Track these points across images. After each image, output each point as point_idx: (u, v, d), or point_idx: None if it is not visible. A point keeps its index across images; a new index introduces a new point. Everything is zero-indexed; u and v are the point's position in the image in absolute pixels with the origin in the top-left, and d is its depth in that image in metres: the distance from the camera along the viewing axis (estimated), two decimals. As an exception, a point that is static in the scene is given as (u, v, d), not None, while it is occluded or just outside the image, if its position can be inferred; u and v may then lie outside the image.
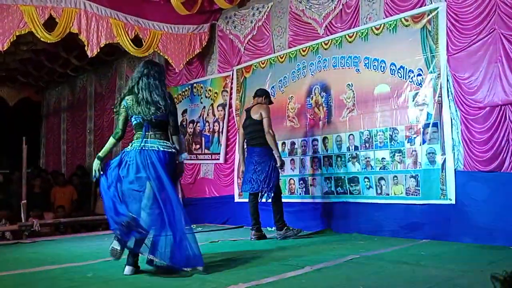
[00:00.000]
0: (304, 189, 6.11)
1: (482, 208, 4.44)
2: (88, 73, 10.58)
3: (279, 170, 5.30)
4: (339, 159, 5.70)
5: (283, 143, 6.26)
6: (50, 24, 6.19)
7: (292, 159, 6.23)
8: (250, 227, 5.40)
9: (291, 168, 6.24)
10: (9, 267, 3.97)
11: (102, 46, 6.58)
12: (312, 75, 6.11)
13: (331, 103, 5.83)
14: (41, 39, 6.22)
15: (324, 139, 5.90)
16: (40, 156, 12.38)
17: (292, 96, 6.34)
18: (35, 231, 6.32)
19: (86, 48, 6.45)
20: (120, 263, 3.95)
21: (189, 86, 8.10)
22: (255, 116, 5.30)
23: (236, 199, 7.06)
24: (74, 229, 8.18)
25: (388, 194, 5.17)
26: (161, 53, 7.36)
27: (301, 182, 6.14)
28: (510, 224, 4.22)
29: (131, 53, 7.15)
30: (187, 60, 7.57)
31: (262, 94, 5.52)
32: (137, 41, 7.02)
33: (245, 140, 5.53)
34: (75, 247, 5.30)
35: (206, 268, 3.49)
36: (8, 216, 7.05)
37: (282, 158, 5.31)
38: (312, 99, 6.10)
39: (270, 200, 5.22)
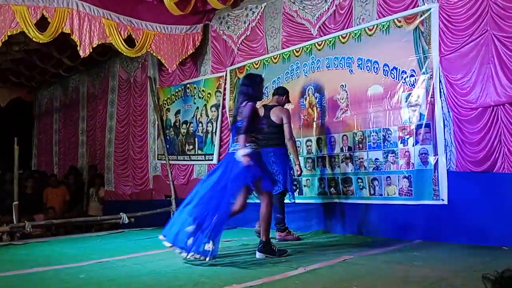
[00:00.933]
0: (298, 190, 6.10)
1: (475, 209, 4.46)
2: (80, 74, 10.52)
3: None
4: (332, 159, 5.71)
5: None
6: (42, 24, 6.14)
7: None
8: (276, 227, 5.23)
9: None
10: (1, 269, 3.94)
11: (94, 46, 6.54)
12: (306, 75, 6.11)
13: (324, 104, 5.84)
14: (33, 39, 6.18)
15: (318, 139, 5.91)
16: (32, 157, 12.29)
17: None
18: (27, 232, 6.27)
19: (78, 48, 6.40)
20: (113, 265, 3.94)
21: (182, 87, 8.08)
22: (274, 118, 5.16)
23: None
24: (66, 230, 8.15)
25: (381, 195, 5.18)
26: (154, 54, 7.33)
27: (295, 182, 6.13)
28: (502, 224, 4.25)
29: (124, 53, 7.12)
30: (180, 60, 7.54)
31: (284, 93, 5.38)
32: (129, 41, 6.98)
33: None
34: (67, 249, 5.28)
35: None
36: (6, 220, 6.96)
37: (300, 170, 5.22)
38: (305, 100, 6.11)
39: (293, 201, 5.20)
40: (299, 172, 5.19)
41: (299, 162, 5.24)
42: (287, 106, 5.47)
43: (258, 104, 4.65)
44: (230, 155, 4.19)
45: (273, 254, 4.12)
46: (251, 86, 4.30)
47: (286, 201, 5.26)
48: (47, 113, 11.90)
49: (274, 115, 5.19)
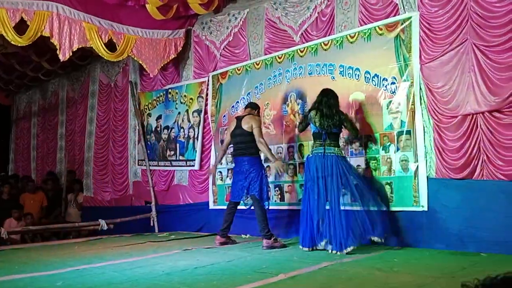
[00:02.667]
0: (279, 196, 6.09)
1: (454, 215, 4.51)
2: (60, 78, 10.38)
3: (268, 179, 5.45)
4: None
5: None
6: (21, 27, 6.03)
7: (268, 166, 6.21)
8: (220, 233, 5.46)
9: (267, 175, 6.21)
10: (-26, 277, 3.83)
11: (74, 50, 6.45)
12: (288, 82, 6.12)
13: (306, 110, 5.84)
14: (12, 42, 6.05)
15: (300, 146, 5.91)
16: (9, 162, 12.06)
17: (268, 103, 6.34)
18: (2, 239, 6.14)
19: (58, 52, 6.31)
20: (91, 273, 3.87)
21: (164, 92, 8.02)
22: (245, 126, 5.33)
23: (211, 206, 7.01)
24: (43, 236, 8.00)
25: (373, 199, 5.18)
26: (135, 58, 7.27)
27: (277, 189, 6.13)
28: (481, 230, 4.29)
29: (105, 58, 7.05)
30: (162, 65, 7.49)
31: (256, 108, 5.65)
32: (110, 46, 6.91)
33: (232, 149, 5.57)
34: (44, 256, 5.17)
35: None
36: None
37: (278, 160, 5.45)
38: (288, 106, 6.11)
39: (267, 207, 5.30)
40: (278, 162, 5.32)
41: (274, 155, 5.39)
42: None
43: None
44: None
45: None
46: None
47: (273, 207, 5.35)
48: (25, 117, 11.70)
49: (245, 123, 5.34)
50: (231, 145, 5.73)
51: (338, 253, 4.50)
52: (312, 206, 4.81)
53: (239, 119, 5.49)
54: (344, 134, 5.24)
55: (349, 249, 4.51)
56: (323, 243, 4.70)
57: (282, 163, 5.44)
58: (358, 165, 5.27)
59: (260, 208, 5.20)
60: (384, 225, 4.71)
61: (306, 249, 4.75)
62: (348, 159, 5.28)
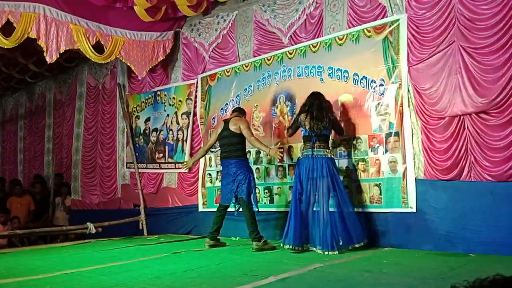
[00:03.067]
0: (269, 198, 6.09)
1: (442, 216, 4.54)
2: (47, 80, 10.29)
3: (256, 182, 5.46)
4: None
5: (248, 152, 6.22)
6: (7, 29, 5.97)
7: (257, 168, 6.21)
8: (209, 236, 5.46)
9: (256, 177, 6.21)
10: (-41, 282, 3.78)
11: (61, 52, 6.40)
12: (277, 84, 6.12)
13: (296, 112, 5.85)
14: (-2, 44, 6.00)
15: (289, 148, 5.91)
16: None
17: (257, 105, 6.34)
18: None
19: (45, 54, 6.25)
20: (78, 277, 3.83)
21: (153, 94, 7.99)
22: (232, 127, 5.35)
23: (200, 209, 6.98)
24: (31, 240, 7.91)
25: (352, 203, 5.20)
26: (123, 60, 7.23)
27: (266, 191, 6.13)
28: (469, 231, 4.32)
29: (92, 60, 7.00)
30: (150, 67, 7.46)
31: (243, 113, 5.68)
32: (98, 48, 6.87)
33: (220, 152, 5.56)
34: (31, 260, 5.11)
35: None
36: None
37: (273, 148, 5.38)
38: (277, 108, 6.11)
39: (256, 210, 5.28)
40: (273, 150, 5.23)
41: (267, 146, 5.38)
42: None
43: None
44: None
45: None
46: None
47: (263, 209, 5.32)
48: (11, 120, 11.58)
49: (232, 125, 5.37)
50: (219, 148, 5.73)
51: (328, 253, 4.52)
52: (300, 207, 4.83)
53: (226, 121, 5.51)
54: (332, 135, 5.25)
55: (337, 251, 4.53)
56: (312, 243, 4.71)
57: (278, 148, 5.36)
58: (347, 167, 5.28)
59: (249, 210, 5.20)
60: (364, 230, 4.79)
61: (288, 246, 4.77)
62: (336, 160, 5.30)
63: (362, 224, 4.81)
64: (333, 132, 5.15)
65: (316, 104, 4.94)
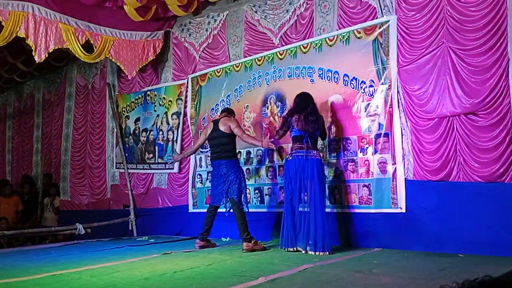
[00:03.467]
0: (259, 199, 6.09)
1: (431, 217, 4.56)
2: (36, 79, 10.19)
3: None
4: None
5: (239, 152, 6.22)
6: (-5, 27, 5.92)
7: (248, 169, 6.21)
8: (200, 237, 5.46)
9: (246, 178, 6.20)
10: None
11: (50, 51, 6.34)
12: (268, 84, 6.12)
13: (285, 114, 5.84)
14: (-14, 43, 5.94)
15: (280, 148, 5.91)
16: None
17: (247, 105, 6.33)
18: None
19: (33, 53, 6.20)
20: (67, 278, 3.80)
21: (143, 94, 7.95)
22: (222, 128, 5.34)
23: (191, 209, 6.96)
24: (19, 241, 7.84)
25: (341, 203, 5.22)
26: (113, 60, 7.19)
27: (257, 191, 6.12)
28: (458, 232, 4.35)
29: (82, 59, 6.95)
30: (140, 67, 7.42)
31: (232, 113, 5.66)
32: (88, 47, 6.82)
33: (210, 153, 5.55)
34: (19, 261, 5.05)
35: None
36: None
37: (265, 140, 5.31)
38: (267, 109, 6.11)
39: (247, 210, 5.28)
40: (265, 141, 5.22)
41: (258, 139, 5.40)
42: None
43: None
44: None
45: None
46: None
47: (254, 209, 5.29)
48: (-1, 120, 11.46)
49: (222, 125, 5.37)
50: (209, 149, 5.72)
51: (319, 253, 4.53)
52: (292, 207, 4.84)
53: (215, 122, 5.50)
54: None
55: (329, 251, 4.54)
56: (303, 244, 4.72)
57: (269, 140, 5.32)
58: (336, 168, 5.30)
59: (240, 211, 5.19)
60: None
61: (286, 249, 4.78)
62: (327, 161, 5.33)
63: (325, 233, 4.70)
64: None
65: (312, 105, 4.96)
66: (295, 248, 4.77)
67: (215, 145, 5.41)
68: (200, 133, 6.68)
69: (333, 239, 4.93)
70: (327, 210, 5.26)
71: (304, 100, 5.02)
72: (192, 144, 6.79)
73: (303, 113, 4.92)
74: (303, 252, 4.67)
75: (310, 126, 4.86)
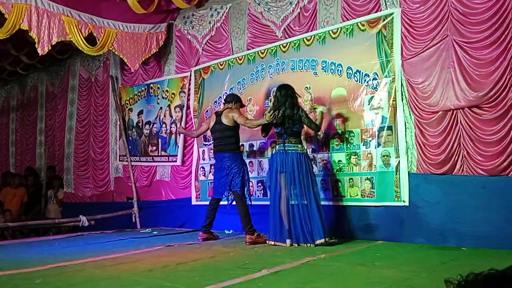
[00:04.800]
0: (262, 192, 6.09)
1: (435, 210, 4.56)
2: (39, 72, 10.20)
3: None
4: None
5: (242, 145, 6.22)
6: (-1, 20, 5.92)
7: (251, 161, 6.21)
8: (202, 229, 5.46)
9: (249, 170, 6.20)
10: (-50, 275, 3.75)
11: (53, 43, 6.33)
12: (271, 77, 6.11)
13: (266, 113, 5.81)
14: (-11, 36, 5.93)
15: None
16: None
17: (250, 98, 6.32)
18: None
19: (36, 46, 6.19)
20: (71, 269, 3.82)
21: (146, 86, 7.94)
22: (225, 120, 5.32)
23: (194, 202, 6.98)
24: (23, 233, 7.88)
25: (344, 196, 5.23)
26: (116, 52, 7.18)
27: (259, 184, 6.13)
28: (461, 225, 4.35)
29: (85, 52, 6.94)
30: (143, 59, 7.41)
31: (231, 100, 5.52)
32: (91, 40, 6.81)
33: (213, 145, 5.54)
34: (23, 253, 5.09)
35: None
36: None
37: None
38: (270, 101, 6.09)
39: (250, 203, 5.29)
40: (269, 116, 4.98)
41: (261, 119, 5.14)
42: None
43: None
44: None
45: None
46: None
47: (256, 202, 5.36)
48: (3, 112, 11.48)
49: (225, 118, 5.34)
50: (211, 142, 5.71)
51: (317, 241, 4.58)
52: (277, 201, 4.86)
53: (218, 114, 5.48)
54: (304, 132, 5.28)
55: (322, 241, 4.59)
56: (294, 237, 4.73)
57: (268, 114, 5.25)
58: (340, 160, 5.29)
59: (243, 204, 5.20)
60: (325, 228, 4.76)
61: (272, 242, 4.80)
62: (330, 154, 5.32)
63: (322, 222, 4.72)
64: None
65: (289, 102, 4.90)
66: (279, 243, 4.76)
67: (218, 138, 5.40)
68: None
69: (334, 230, 4.94)
70: (330, 203, 5.29)
71: (284, 95, 4.94)
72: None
73: (281, 110, 4.88)
74: (300, 244, 4.69)
75: (287, 122, 4.86)
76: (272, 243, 4.81)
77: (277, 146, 4.98)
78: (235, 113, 5.33)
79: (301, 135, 5.08)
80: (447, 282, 0.94)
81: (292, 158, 4.82)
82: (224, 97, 5.89)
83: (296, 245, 4.67)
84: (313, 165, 5.27)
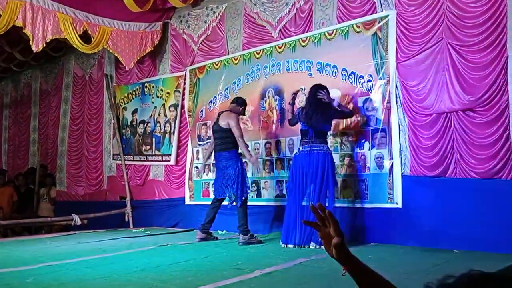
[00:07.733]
0: (256, 192, 6.09)
1: (427, 212, 4.58)
2: (33, 69, 10.13)
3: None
4: (291, 162, 5.71)
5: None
6: (-7, 16, 5.88)
7: (245, 162, 6.19)
8: (201, 228, 5.40)
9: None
10: None
11: (48, 41, 6.31)
12: (266, 78, 6.11)
13: (284, 106, 5.85)
14: (-17, 32, 5.89)
15: (277, 142, 5.91)
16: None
17: (245, 99, 6.29)
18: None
19: (31, 43, 6.16)
20: (63, 268, 3.80)
21: (140, 85, 7.92)
22: (222, 123, 5.31)
23: (187, 202, 6.96)
24: (15, 231, 7.83)
25: (337, 198, 5.22)
26: (110, 50, 7.15)
27: (254, 185, 6.12)
28: (454, 227, 4.36)
29: (79, 50, 6.91)
30: (138, 58, 7.39)
31: (242, 104, 5.50)
32: (85, 37, 6.78)
33: (214, 145, 5.51)
34: (15, 251, 5.06)
35: None
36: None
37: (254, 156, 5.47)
38: (265, 102, 6.10)
39: (238, 204, 5.21)
40: (253, 159, 5.38)
41: (249, 153, 5.36)
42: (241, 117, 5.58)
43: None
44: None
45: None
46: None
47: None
48: (-4, 109, 11.41)
49: (222, 120, 5.32)
50: (207, 141, 5.70)
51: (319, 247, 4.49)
52: (294, 203, 4.81)
53: (218, 114, 5.48)
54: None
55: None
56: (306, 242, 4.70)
57: (258, 160, 5.37)
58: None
59: (241, 204, 5.18)
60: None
61: (292, 246, 4.71)
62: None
63: None
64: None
65: (313, 100, 4.84)
66: (302, 245, 4.70)
67: (217, 138, 5.40)
68: (199, 125, 6.73)
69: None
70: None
71: (313, 95, 4.88)
72: (190, 137, 6.77)
73: (309, 107, 4.86)
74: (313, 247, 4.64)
75: (314, 120, 4.79)
76: (284, 246, 4.76)
77: (301, 147, 4.92)
78: (232, 120, 5.25)
79: (327, 136, 5.00)
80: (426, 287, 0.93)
81: (317, 159, 4.75)
82: (235, 97, 5.73)
83: (306, 246, 4.62)
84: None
